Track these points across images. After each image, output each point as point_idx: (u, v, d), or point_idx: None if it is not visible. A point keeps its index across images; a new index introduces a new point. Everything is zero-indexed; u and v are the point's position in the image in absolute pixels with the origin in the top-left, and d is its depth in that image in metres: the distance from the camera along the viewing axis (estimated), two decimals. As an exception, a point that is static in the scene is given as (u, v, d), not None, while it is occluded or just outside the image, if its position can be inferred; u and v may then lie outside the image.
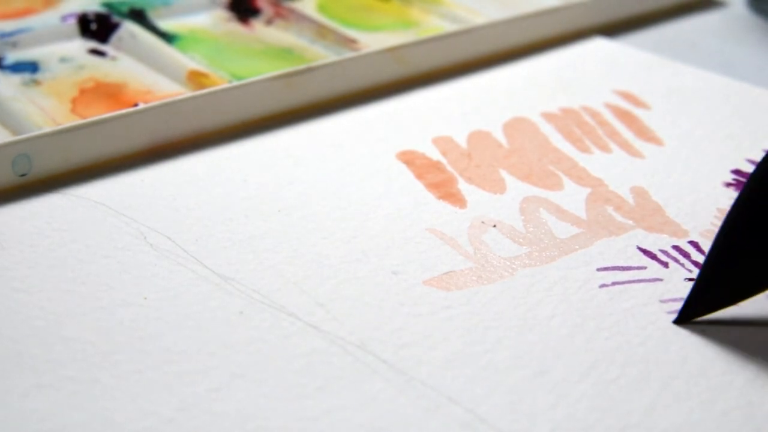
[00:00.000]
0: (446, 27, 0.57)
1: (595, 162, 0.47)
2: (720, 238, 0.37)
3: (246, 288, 0.38)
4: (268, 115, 0.49)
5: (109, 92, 0.49)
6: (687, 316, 0.37)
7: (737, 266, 0.37)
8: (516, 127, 0.49)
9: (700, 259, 0.41)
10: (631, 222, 0.43)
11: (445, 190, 0.44)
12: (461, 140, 0.48)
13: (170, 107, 0.46)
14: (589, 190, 0.45)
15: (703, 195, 0.45)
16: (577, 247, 0.41)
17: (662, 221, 0.43)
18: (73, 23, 0.54)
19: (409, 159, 0.46)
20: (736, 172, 0.46)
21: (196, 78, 0.50)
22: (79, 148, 0.44)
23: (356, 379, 0.35)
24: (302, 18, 0.56)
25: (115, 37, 0.53)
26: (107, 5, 0.55)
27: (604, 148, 0.48)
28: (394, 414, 0.33)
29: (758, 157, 0.47)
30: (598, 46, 0.57)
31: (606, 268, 0.40)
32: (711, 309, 0.37)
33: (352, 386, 0.34)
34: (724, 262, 0.37)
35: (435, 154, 0.47)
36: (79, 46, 0.53)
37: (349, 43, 0.54)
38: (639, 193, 0.45)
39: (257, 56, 0.53)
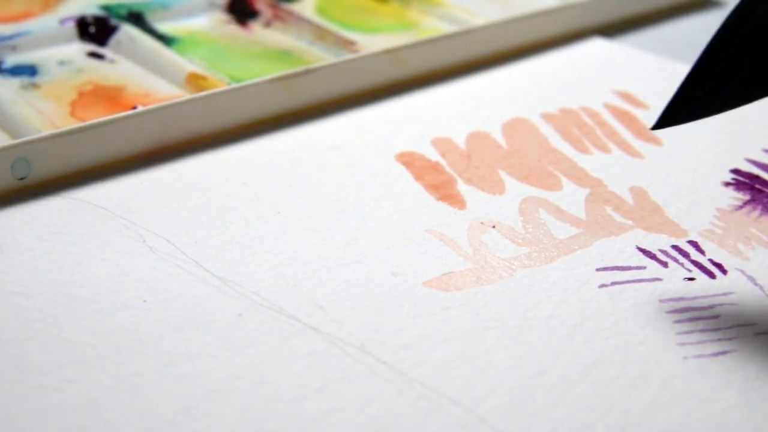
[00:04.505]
0: (445, 28, 0.57)
1: (594, 162, 0.47)
2: (712, 43, 0.36)
3: (245, 290, 0.38)
4: (267, 118, 0.49)
5: (108, 95, 0.49)
6: (666, 122, 0.37)
7: (723, 75, 0.36)
8: (515, 127, 0.49)
9: (700, 258, 0.41)
10: (630, 222, 0.43)
11: (445, 191, 0.44)
12: (460, 141, 0.48)
13: (169, 110, 0.46)
14: (588, 190, 0.45)
15: (702, 195, 0.45)
16: (576, 247, 0.41)
17: (661, 221, 0.43)
18: (71, 26, 0.54)
19: (408, 160, 0.46)
20: (736, 171, 0.46)
21: (195, 80, 0.50)
22: (78, 151, 0.44)
23: (356, 380, 0.35)
24: (301, 20, 0.56)
25: (113, 40, 0.53)
26: (106, 8, 0.55)
27: (603, 149, 0.48)
28: (394, 415, 0.33)
29: (758, 157, 0.47)
30: (597, 46, 0.57)
31: (605, 269, 0.40)
32: (690, 117, 0.37)
33: (351, 387, 0.34)
34: (711, 68, 0.36)
35: (434, 155, 0.47)
36: (78, 49, 0.53)
37: (348, 44, 0.54)
38: (638, 193, 0.45)
39: (256, 58, 0.53)
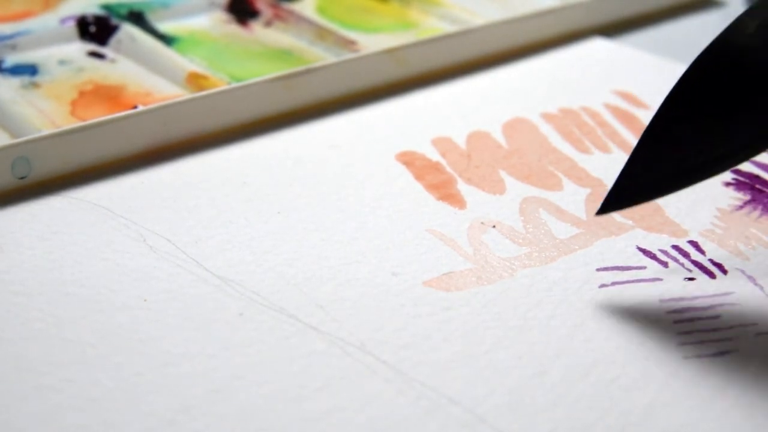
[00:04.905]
0: (445, 28, 0.57)
1: (594, 162, 0.47)
2: (651, 127, 0.37)
3: (246, 290, 0.38)
4: (267, 117, 0.49)
5: (109, 95, 0.49)
6: (610, 207, 0.38)
7: (663, 157, 0.37)
8: (515, 127, 0.49)
9: (700, 258, 0.41)
10: (630, 222, 0.43)
11: (445, 190, 0.44)
12: (460, 141, 0.48)
13: (170, 109, 0.46)
14: (588, 190, 0.45)
15: (702, 195, 0.45)
16: (576, 247, 0.41)
17: (661, 221, 0.43)
18: (72, 26, 0.54)
19: (409, 160, 0.46)
20: (736, 171, 0.46)
21: (195, 80, 0.50)
22: (78, 150, 0.44)
23: (356, 380, 0.35)
24: (301, 19, 0.56)
25: (114, 40, 0.53)
26: (106, 7, 0.55)
27: (604, 149, 0.48)
28: (394, 414, 0.33)
29: (758, 157, 0.47)
30: (597, 46, 0.57)
31: (606, 268, 0.40)
32: (634, 201, 0.38)
33: (352, 387, 0.34)
34: (652, 152, 0.37)
35: (434, 155, 0.47)
36: (78, 49, 0.53)
37: (349, 44, 0.54)
38: (638, 193, 0.45)
39: (256, 58, 0.53)
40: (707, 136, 0.36)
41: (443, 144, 0.47)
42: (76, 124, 0.45)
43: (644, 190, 0.38)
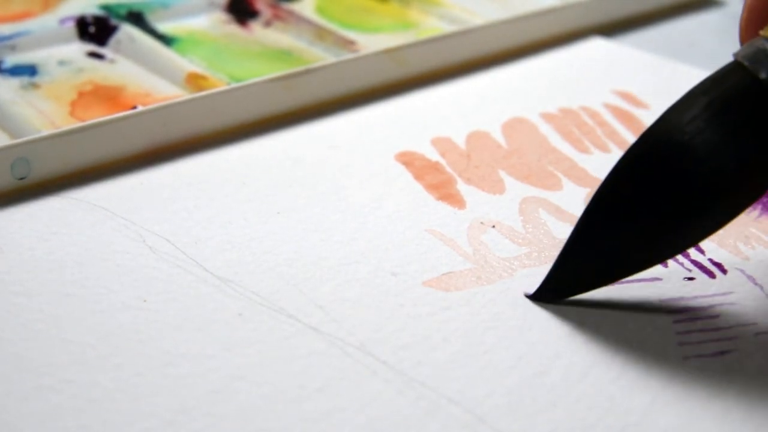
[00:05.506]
0: (445, 28, 0.57)
1: (594, 162, 0.47)
2: (582, 221, 0.37)
3: (245, 290, 0.38)
4: (266, 117, 0.49)
5: (108, 95, 0.49)
6: (542, 296, 0.38)
7: (598, 251, 0.37)
8: (515, 127, 0.49)
9: (700, 258, 0.41)
10: (630, 222, 0.43)
11: (444, 190, 0.44)
12: (460, 141, 0.48)
13: (169, 110, 0.46)
14: (588, 190, 0.45)
15: (702, 194, 0.44)
16: (576, 247, 0.41)
17: (661, 221, 0.43)
18: (71, 26, 0.54)
19: (408, 160, 0.46)
20: (736, 171, 0.46)
21: (194, 80, 0.50)
22: (77, 151, 0.44)
23: (356, 381, 0.35)
24: (301, 20, 0.56)
25: (113, 40, 0.53)
26: (105, 8, 0.55)
27: (603, 148, 0.48)
28: (394, 415, 0.33)
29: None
30: (597, 46, 0.57)
31: (605, 268, 0.40)
32: (567, 293, 0.38)
33: (351, 387, 0.34)
34: (586, 244, 0.37)
35: (434, 155, 0.47)
36: (78, 49, 0.53)
37: (348, 44, 0.54)
38: (638, 192, 0.44)
39: (256, 58, 0.53)
40: (640, 231, 0.36)
41: (443, 144, 0.47)
42: (76, 124, 0.45)
43: (578, 284, 0.38)
